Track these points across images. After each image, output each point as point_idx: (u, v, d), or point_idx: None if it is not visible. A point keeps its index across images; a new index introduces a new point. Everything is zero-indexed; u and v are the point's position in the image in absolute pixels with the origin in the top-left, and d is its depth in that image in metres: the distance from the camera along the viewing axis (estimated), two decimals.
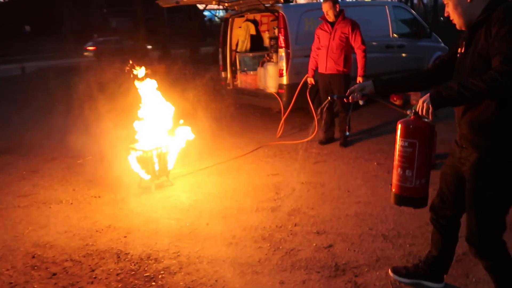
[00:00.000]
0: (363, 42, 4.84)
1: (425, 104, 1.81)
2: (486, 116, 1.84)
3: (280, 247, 2.96)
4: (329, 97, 2.32)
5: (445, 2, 1.93)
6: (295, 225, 3.29)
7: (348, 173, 4.37)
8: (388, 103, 2.17)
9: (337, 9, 4.84)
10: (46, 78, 13.46)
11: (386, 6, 7.22)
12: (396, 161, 2.02)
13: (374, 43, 6.55)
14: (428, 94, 1.81)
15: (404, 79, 2.22)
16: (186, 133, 4.43)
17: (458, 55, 1.99)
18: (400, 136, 1.98)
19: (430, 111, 1.79)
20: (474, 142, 1.92)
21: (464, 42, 1.93)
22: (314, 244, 2.99)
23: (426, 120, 1.90)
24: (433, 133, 2.01)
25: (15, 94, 11.11)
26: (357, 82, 4.96)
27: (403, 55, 7.31)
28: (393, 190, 2.06)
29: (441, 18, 27.78)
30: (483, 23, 1.80)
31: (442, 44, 8.37)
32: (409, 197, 1.99)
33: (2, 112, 8.65)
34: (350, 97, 2.20)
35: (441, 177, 2.22)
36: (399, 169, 1.99)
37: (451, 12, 1.91)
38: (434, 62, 2.18)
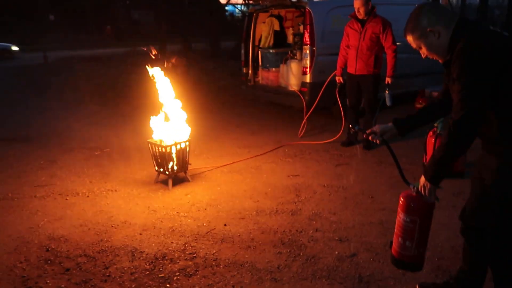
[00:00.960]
0: (394, 42, 4.63)
1: (425, 187, 1.91)
2: (494, 131, 1.87)
3: (301, 254, 2.83)
4: (350, 126, 2.32)
5: (416, 48, 1.95)
6: (316, 230, 3.15)
7: (371, 177, 4.19)
8: (397, 167, 2.18)
9: (369, 6, 4.64)
10: (68, 67, 13.62)
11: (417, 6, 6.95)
12: (397, 230, 2.09)
13: (400, 43, 6.30)
14: (423, 176, 1.91)
15: (422, 114, 2.22)
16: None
17: None
18: (402, 210, 2.04)
19: (432, 191, 1.90)
20: (495, 149, 1.91)
21: (445, 77, 1.99)
22: (336, 252, 2.84)
23: (427, 199, 1.95)
24: (433, 211, 2.06)
25: (37, 83, 11.23)
26: (386, 82, 4.77)
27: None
28: (393, 253, 2.14)
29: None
30: (450, 62, 1.85)
31: None
32: (408, 263, 2.10)
33: (23, 100, 8.74)
34: (369, 137, 2.25)
35: (471, 184, 2.13)
36: (399, 238, 2.07)
37: (428, 54, 1.94)
38: (440, 92, 2.18)
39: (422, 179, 1.92)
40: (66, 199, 3.75)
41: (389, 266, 2.68)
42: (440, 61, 1.96)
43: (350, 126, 2.33)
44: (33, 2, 29.30)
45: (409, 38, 1.93)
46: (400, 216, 2.04)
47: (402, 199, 2.04)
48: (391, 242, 2.14)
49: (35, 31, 26.06)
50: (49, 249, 2.91)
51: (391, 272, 2.61)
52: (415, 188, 1.98)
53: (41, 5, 29.40)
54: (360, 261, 2.74)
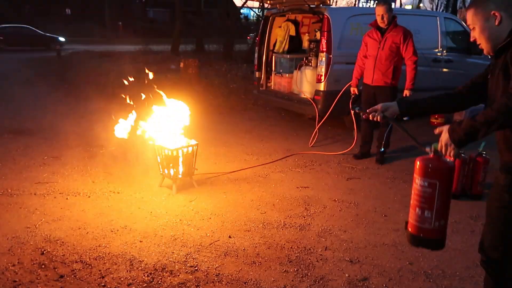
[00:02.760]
0: (415, 53, 4.44)
1: (448, 147, 1.73)
2: None
3: (309, 274, 2.66)
4: (350, 108, 2.14)
5: (470, 27, 1.83)
6: (326, 249, 2.97)
7: (384, 194, 4.01)
8: (407, 134, 2.01)
9: (392, 15, 4.46)
10: (81, 62, 13.60)
11: (438, 17, 6.76)
12: (413, 200, 1.87)
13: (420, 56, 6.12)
14: (446, 134, 1.73)
15: (432, 102, 2.06)
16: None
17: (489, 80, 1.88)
18: (418, 175, 1.84)
19: (453, 153, 1.73)
20: None
21: (491, 68, 1.84)
22: (347, 275, 2.66)
23: (447, 159, 1.79)
24: (453, 173, 1.87)
25: (49, 76, 11.20)
26: (404, 95, 4.58)
27: (450, 70, 6.83)
28: (409, 229, 1.91)
29: None
30: (508, 47, 1.71)
31: None
32: (427, 238, 1.88)
33: (33, 92, 8.69)
34: (370, 115, 2.11)
35: (487, 211, 1.93)
36: (417, 209, 1.85)
37: (478, 36, 1.81)
38: (466, 84, 2.03)
39: (445, 138, 1.72)
40: (67, 198, 3.62)
41: None
42: (485, 50, 1.82)
43: (351, 108, 2.15)
44: None
45: (471, 12, 1.81)
46: (417, 182, 1.83)
47: (418, 162, 1.84)
48: (406, 222, 1.93)
49: (51, 24, 26.26)
50: (44, 252, 2.77)
51: None
52: (433, 148, 1.80)
53: None
54: (371, 287, 2.56)
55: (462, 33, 7.38)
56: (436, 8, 32.55)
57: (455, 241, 3.14)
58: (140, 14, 33.22)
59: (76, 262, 2.67)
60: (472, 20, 1.81)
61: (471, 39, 1.84)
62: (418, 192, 1.83)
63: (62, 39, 19.69)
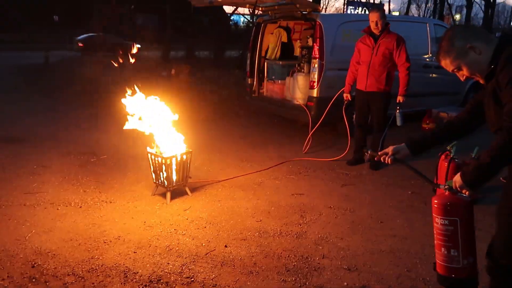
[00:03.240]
0: (407, 59, 4.47)
1: (462, 189, 1.77)
2: None
3: (307, 283, 2.62)
4: (363, 149, 2.20)
5: (455, 71, 1.84)
6: (323, 257, 2.94)
7: (380, 200, 4.00)
8: (418, 174, 2.05)
9: (385, 21, 4.49)
10: (69, 69, 13.44)
11: (427, 24, 6.85)
12: (437, 240, 1.87)
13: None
14: (459, 178, 1.76)
15: (438, 134, 2.12)
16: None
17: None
18: (438, 214, 1.84)
19: (468, 194, 1.78)
20: None
21: (483, 91, 1.90)
22: (345, 283, 2.63)
23: (463, 196, 1.81)
24: (472, 208, 1.86)
25: (36, 83, 11.04)
26: (397, 101, 4.60)
27: (440, 76, 6.90)
28: (439, 271, 1.90)
29: None
30: (494, 72, 1.75)
31: None
32: (458, 278, 1.84)
33: (21, 99, 8.54)
34: (381, 158, 2.18)
35: (496, 218, 1.95)
36: (442, 248, 1.85)
37: (468, 73, 1.83)
38: (466, 109, 2.07)
39: (458, 182, 1.76)
40: (57, 209, 3.54)
41: None
42: (481, 80, 1.84)
43: (363, 149, 2.20)
44: (39, 2, 29.25)
45: (445, 62, 1.82)
46: (437, 221, 1.83)
47: (435, 201, 1.85)
48: (434, 264, 1.91)
49: (38, 31, 25.99)
50: (35, 265, 2.68)
51: None
52: (447, 186, 1.81)
53: (46, 5, 29.36)
54: None
55: None
56: (424, 14, 33.06)
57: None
58: (128, 21, 33.06)
59: (68, 275, 2.60)
60: (453, 65, 1.81)
61: (463, 79, 1.86)
62: (441, 232, 1.83)
63: (138, 45, 20.09)
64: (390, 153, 2.15)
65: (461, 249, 1.79)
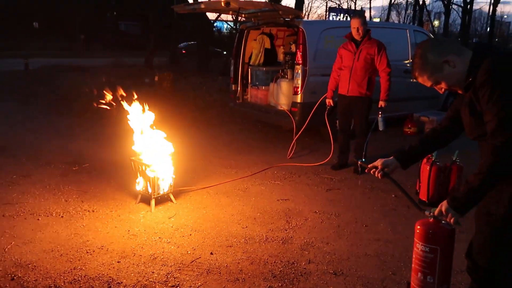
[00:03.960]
0: (388, 65, 4.55)
1: (449, 216, 1.77)
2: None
3: None
4: (355, 159, 2.22)
5: (434, 86, 1.85)
6: (309, 262, 2.94)
7: (364, 204, 4.03)
8: (404, 194, 2.07)
9: (366, 27, 4.57)
10: (51, 76, 13.21)
11: (407, 30, 6.99)
12: (415, 264, 1.91)
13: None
14: (446, 204, 1.77)
15: (425, 144, 2.12)
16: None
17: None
18: (419, 240, 1.88)
19: (453, 220, 1.76)
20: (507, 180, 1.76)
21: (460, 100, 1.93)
22: None
23: (446, 225, 1.83)
24: (454, 238, 1.91)
25: (16, 90, 10.79)
26: (379, 106, 4.67)
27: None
28: None
29: None
30: (471, 84, 1.76)
31: None
32: None
33: (1, 108, 8.34)
34: (371, 171, 2.17)
35: (475, 219, 1.96)
36: (419, 273, 1.88)
37: (447, 86, 1.84)
38: (446, 117, 2.09)
39: (445, 207, 1.77)
40: (38, 219, 3.45)
41: None
42: (459, 91, 1.85)
43: (355, 160, 2.20)
44: (19, 8, 28.74)
45: (422, 78, 1.83)
46: (418, 247, 1.85)
47: (418, 226, 1.86)
48: (408, 283, 1.94)
49: (18, 38, 25.50)
50: (14, 277, 2.61)
51: None
52: (432, 213, 1.82)
53: (27, 11, 28.86)
54: None
55: None
56: (403, 21, 33.76)
57: None
58: (112, 27, 32.78)
59: (49, 287, 2.53)
60: (430, 80, 1.82)
61: (442, 92, 1.87)
62: (420, 257, 1.86)
63: (225, 52, 20.73)
64: (379, 167, 2.14)
65: (437, 277, 1.82)
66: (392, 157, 2.14)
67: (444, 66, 1.78)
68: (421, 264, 1.84)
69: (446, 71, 1.78)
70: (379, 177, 2.16)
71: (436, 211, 1.81)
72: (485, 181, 1.67)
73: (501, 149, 1.63)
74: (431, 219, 1.83)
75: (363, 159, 2.20)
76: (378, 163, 2.15)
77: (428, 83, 1.84)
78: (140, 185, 3.80)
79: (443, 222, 1.81)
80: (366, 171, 2.20)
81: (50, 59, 19.19)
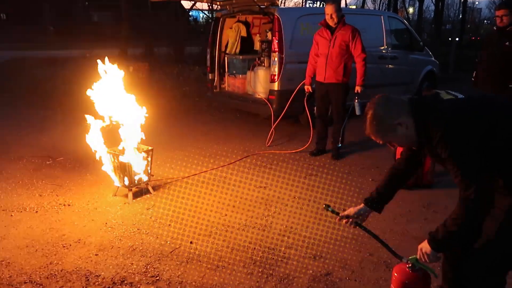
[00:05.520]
0: (363, 50, 4.59)
1: (427, 255, 1.78)
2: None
3: (273, 274, 2.64)
4: (325, 206, 2.14)
5: (385, 143, 1.86)
6: (289, 247, 2.97)
7: (342, 189, 4.09)
8: (380, 243, 2.05)
9: (340, 14, 4.58)
10: (19, 69, 12.75)
11: (382, 16, 7.05)
12: None
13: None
14: (427, 245, 1.78)
15: (390, 185, 2.10)
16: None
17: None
18: (396, 287, 1.90)
19: (432, 260, 1.79)
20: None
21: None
22: (311, 271, 2.68)
23: (423, 274, 1.86)
24: (430, 285, 1.93)
25: None
26: (355, 91, 4.71)
27: (396, 67, 7.15)
28: None
29: (425, 34, 28.34)
30: (424, 143, 1.79)
31: (433, 58, 8.29)
32: None
33: None
34: (344, 221, 2.13)
35: None
36: None
37: (399, 145, 1.90)
38: (403, 158, 2.08)
39: (425, 245, 1.78)
40: (11, 215, 3.36)
41: (366, 285, 2.57)
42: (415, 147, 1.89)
43: (325, 207, 2.13)
44: None
45: (376, 138, 1.83)
46: None
47: (395, 274, 1.90)
48: None
49: None
50: None
51: None
52: (409, 263, 1.86)
53: None
54: (336, 281, 2.59)
55: (405, 31, 7.76)
56: (379, 8, 34.06)
57: (411, 230, 3.27)
58: (83, 17, 31.82)
59: (25, 283, 2.48)
60: (384, 140, 1.83)
61: (393, 147, 1.90)
62: None
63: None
64: (351, 217, 2.10)
65: None
66: (363, 205, 2.11)
67: (397, 128, 1.77)
68: None
69: (400, 132, 1.78)
70: (352, 228, 2.17)
71: (418, 255, 1.82)
72: (464, 230, 1.69)
73: (474, 203, 1.63)
74: (409, 270, 1.87)
75: (332, 209, 2.14)
76: (351, 212, 2.11)
77: (381, 141, 1.84)
78: (117, 177, 3.73)
79: (419, 271, 1.85)
80: (337, 219, 2.14)
81: (19, 51, 18.52)
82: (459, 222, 1.68)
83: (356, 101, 4.77)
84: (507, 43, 4.29)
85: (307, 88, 4.98)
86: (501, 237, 1.77)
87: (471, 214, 1.66)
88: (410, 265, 1.87)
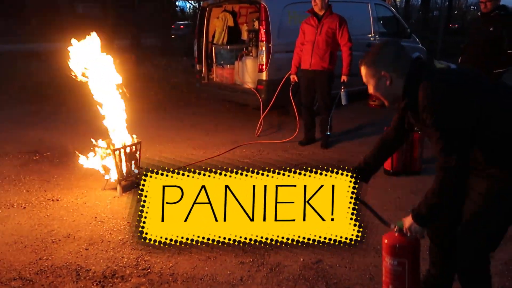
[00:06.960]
0: (350, 39, 4.58)
1: (413, 229, 1.81)
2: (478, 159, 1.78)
3: (264, 263, 2.66)
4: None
5: (364, 81, 1.84)
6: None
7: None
8: (373, 213, 2.11)
9: (326, 1, 4.56)
10: (2, 63, 12.50)
11: (369, 4, 7.04)
12: (385, 277, 1.97)
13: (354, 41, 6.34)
14: (410, 219, 1.80)
15: (378, 155, 2.12)
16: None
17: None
18: (387, 254, 1.93)
19: (419, 234, 1.82)
20: (483, 173, 1.81)
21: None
22: (301, 259, 2.71)
23: (412, 236, 1.88)
24: (420, 249, 1.96)
25: None
26: (342, 80, 4.71)
27: None
28: None
29: (412, 21, 28.42)
30: (406, 107, 1.80)
31: (420, 45, 8.32)
32: None
33: None
34: None
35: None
36: (390, 286, 1.94)
37: (373, 93, 1.85)
38: (391, 128, 2.09)
39: (409, 221, 1.81)
40: None
41: (355, 271, 2.60)
42: (385, 103, 1.87)
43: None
44: None
45: (363, 71, 1.82)
46: (387, 261, 1.92)
47: (385, 241, 1.93)
48: None
49: None
50: None
51: (358, 279, 2.52)
52: (397, 227, 1.89)
53: None
54: (326, 268, 2.63)
55: (392, 18, 7.77)
56: None
57: (400, 216, 3.29)
58: (67, 9, 31.17)
59: (14, 279, 2.46)
60: (365, 77, 1.82)
61: (369, 92, 1.87)
62: (389, 271, 1.91)
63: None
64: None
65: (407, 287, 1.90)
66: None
67: (381, 78, 1.76)
68: (391, 277, 1.91)
69: (380, 82, 1.77)
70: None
71: (404, 227, 1.84)
72: (441, 202, 1.71)
73: (449, 174, 1.66)
74: (397, 234, 1.89)
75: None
76: None
77: (363, 77, 1.82)
78: (105, 171, 3.70)
79: (408, 235, 1.87)
80: None
81: (4, 45, 18.13)
82: (437, 196, 1.69)
83: (343, 90, 4.77)
84: (491, 29, 4.33)
85: (293, 77, 4.97)
86: (482, 219, 1.80)
87: (452, 181, 1.67)
88: (397, 228, 1.89)
